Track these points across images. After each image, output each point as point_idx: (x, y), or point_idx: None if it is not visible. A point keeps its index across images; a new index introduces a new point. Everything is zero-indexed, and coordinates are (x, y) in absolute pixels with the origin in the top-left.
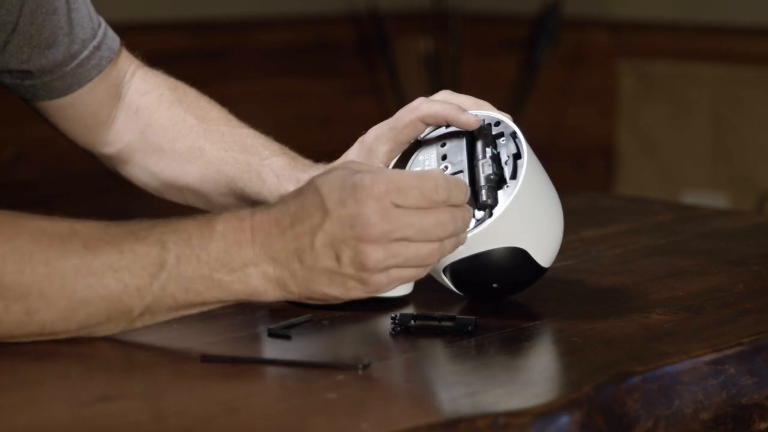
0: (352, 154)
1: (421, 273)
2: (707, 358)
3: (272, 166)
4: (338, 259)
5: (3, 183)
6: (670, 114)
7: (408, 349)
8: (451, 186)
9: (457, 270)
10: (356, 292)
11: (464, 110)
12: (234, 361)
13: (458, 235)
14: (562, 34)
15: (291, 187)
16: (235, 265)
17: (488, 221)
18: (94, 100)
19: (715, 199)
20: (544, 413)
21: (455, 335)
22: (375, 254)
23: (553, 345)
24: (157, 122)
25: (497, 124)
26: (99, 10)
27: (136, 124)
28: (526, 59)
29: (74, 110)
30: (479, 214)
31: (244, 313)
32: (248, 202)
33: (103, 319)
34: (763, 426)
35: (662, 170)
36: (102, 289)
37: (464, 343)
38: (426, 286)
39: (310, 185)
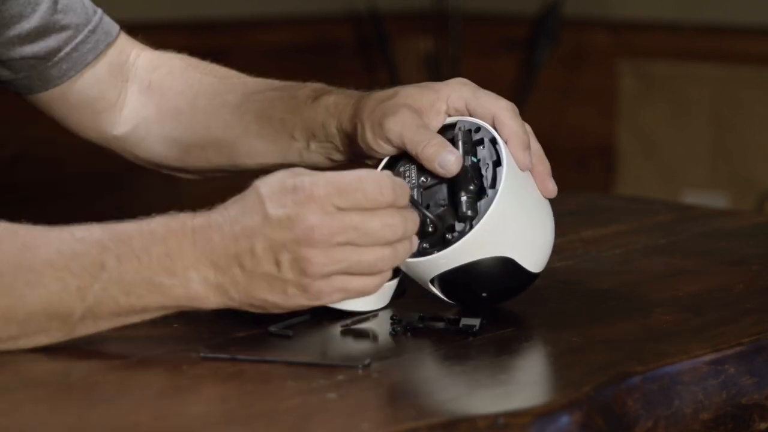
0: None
1: (373, 283)
2: (707, 358)
3: (309, 86)
4: (278, 263)
5: (3, 183)
6: (670, 114)
7: (408, 349)
8: (396, 187)
9: (444, 281)
10: (297, 299)
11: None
12: (234, 360)
13: (410, 238)
14: (562, 34)
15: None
16: (177, 269)
17: (469, 233)
18: (98, 83)
19: (715, 199)
20: (544, 413)
21: (459, 336)
22: (316, 259)
23: (553, 345)
24: (173, 89)
25: (477, 130)
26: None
27: (150, 98)
28: (526, 59)
29: (78, 97)
30: (460, 226)
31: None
32: (281, 128)
33: (43, 321)
34: (763, 426)
35: (662, 170)
36: (42, 288)
37: (464, 343)
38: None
39: (251, 189)
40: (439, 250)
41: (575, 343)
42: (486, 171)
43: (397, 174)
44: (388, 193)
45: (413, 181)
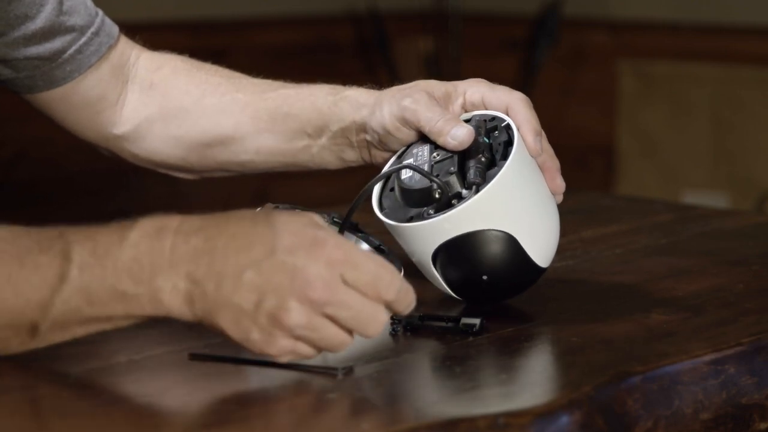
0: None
1: (315, 354)
2: (707, 358)
3: (324, 85)
4: (258, 303)
5: (2, 183)
6: (670, 114)
7: (408, 349)
8: (402, 291)
9: (446, 255)
10: (253, 345)
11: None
12: (222, 360)
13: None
14: (562, 34)
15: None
16: (143, 276)
17: (474, 197)
18: (99, 84)
19: (715, 199)
20: (544, 413)
21: (459, 336)
22: (297, 317)
23: (553, 345)
24: (177, 89)
25: (492, 119)
26: (100, 10)
27: (152, 98)
28: (526, 59)
29: (79, 97)
30: (467, 193)
31: None
32: (295, 125)
33: (9, 334)
34: (763, 426)
35: (662, 170)
36: (3, 303)
37: (464, 343)
38: (426, 286)
39: (265, 218)
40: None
41: (575, 343)
42: (498, 151)
43: (409, 154)
44: (393, 293)
45: (425, 158)
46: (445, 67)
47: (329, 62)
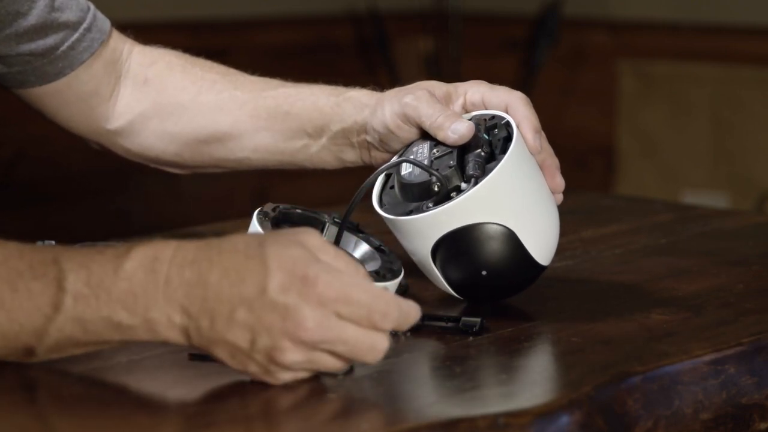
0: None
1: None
2: (707, 358)
3: (325, 85)
4: (252, 342)
5: (2, 183)
6: (670, 114)
7: (408, 349)
8: (402, 315)
9: (444, 249)
10: (255, 372)
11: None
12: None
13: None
14: (562, 34)
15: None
16: (138, 308)
17: (473, 189)
18: (92, 79)
19: (715, 199)
20: (544, 413)
21: (459, 336)
22: (293, 356)
23: (553, 345)
24: (173, 85)
25: (492, 118)
26: (99, 10)
27: (146, 94)
28: (526, 59)
29: (72, 92)
30: (465, 186)
31: None
32: (295, 124)
33: (6, 353)
34: (763, 426)
35: (662, 170)
36: None
37: (464, 343)
38: (426, 286)
39: (257, 250)
40: None
41: (575, 343)
42: (497, 147)
43: (409, 152)
44: (390, 323)
45: (424, 155)
46: (445, 67)
47: (329, 62)
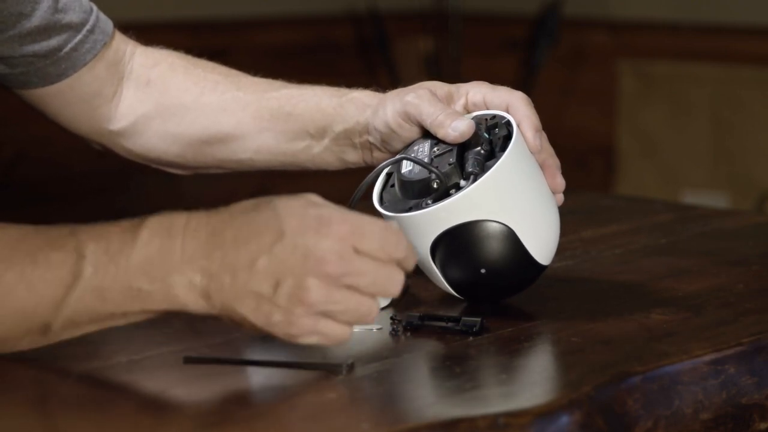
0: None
1: (348, 332)
2: (707, 358)
3: (327, 87)
4: (276, 286)
5: (3, 183)
6: (670, 114)
7: (408, 349)
8: (409, 248)
9: (444, 246)
10: (277, 329)
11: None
12: (217, 362)
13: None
14: (562, 34)
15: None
16: (157, 273)
17: (472, 186)
18: (95, 81)
19: (715, 199)
20: (544, 413)
21: (459, 336)
22: (317, 292)
23: (553, 345)
24: (176, 86)
25: (493, 117)
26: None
27: (149, 95)
28: (526, 59)
29: (74, 93)
30: (465, 184)
31: None
32: (297, 125)
33: (20, 332)
34: (763, 426)
35: (662, 170)
36: (16, 302)
37: (464, 343)
38: (426, 286)
39: (266, 205)
40: None
41: (575, 343)
42: (497, 145)
43: (410, 151)
44: (402, 251)
45: (425, 153)
46: (445, 67)
47: (329, 62)
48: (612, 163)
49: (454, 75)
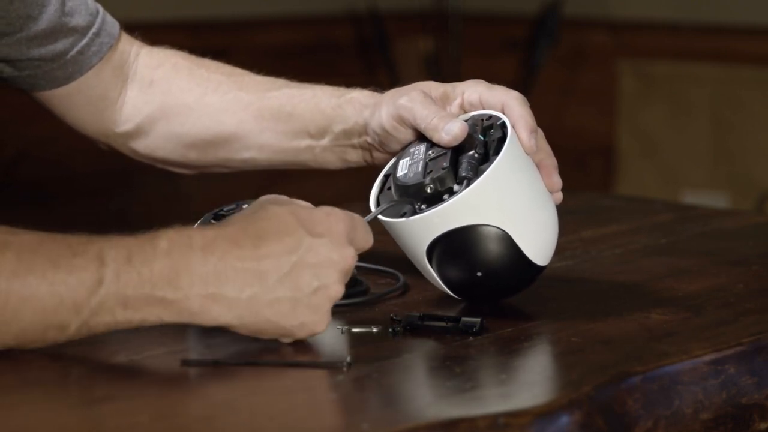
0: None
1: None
2: (707, 358)
3: (327, 86)
4: (307, 286)
5: (4, 182)
6: (670, 114)
7: (408, 349)
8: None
9: (440, 250)
10: (303, 330)
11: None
12: (215, 364)
13: None
14: (562, 34)
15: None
16: (182, 283)
17: (465, 190)
18: (100, 84)
19: (715, 199)
20: (544, 413)
21: (459, 336)
22: (339, 286)
23: (553, 345)
24: (179, 87)
25: (488, 118)
26: None
27: (153, 96)
28: (526, 59)
29: (81, 96)
30: (458, 188)
31: None
32: (299, 125)
33: (39, 333)
34: (763, 426)
35: (662, 170)
36: (36, 302)
37: (464, 343)
38: (426, 286)
39: (279, 210)
40: None
41: (575, 343)
42: (492, 148)
43: (406, 153)
44: (370, 239)
45: (420, 156)
46: (445, 67)
47: (329, 62)
48: (612, 163)
49: (454, 75)
